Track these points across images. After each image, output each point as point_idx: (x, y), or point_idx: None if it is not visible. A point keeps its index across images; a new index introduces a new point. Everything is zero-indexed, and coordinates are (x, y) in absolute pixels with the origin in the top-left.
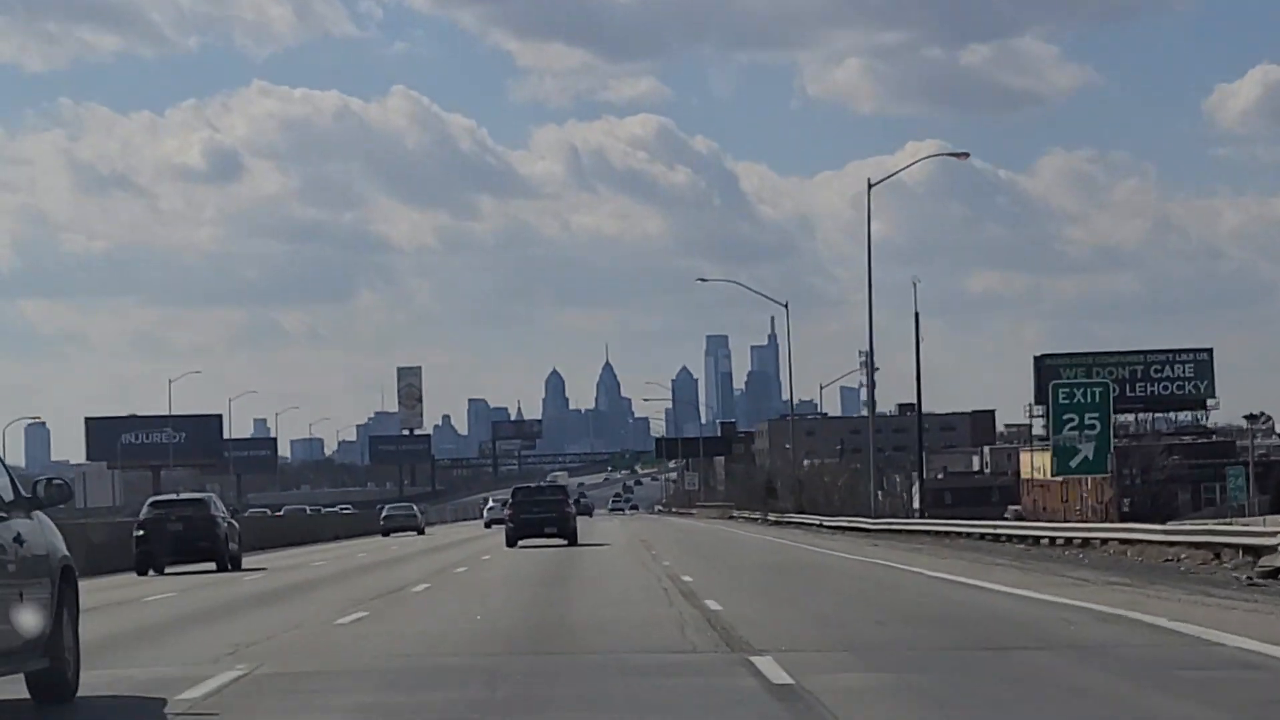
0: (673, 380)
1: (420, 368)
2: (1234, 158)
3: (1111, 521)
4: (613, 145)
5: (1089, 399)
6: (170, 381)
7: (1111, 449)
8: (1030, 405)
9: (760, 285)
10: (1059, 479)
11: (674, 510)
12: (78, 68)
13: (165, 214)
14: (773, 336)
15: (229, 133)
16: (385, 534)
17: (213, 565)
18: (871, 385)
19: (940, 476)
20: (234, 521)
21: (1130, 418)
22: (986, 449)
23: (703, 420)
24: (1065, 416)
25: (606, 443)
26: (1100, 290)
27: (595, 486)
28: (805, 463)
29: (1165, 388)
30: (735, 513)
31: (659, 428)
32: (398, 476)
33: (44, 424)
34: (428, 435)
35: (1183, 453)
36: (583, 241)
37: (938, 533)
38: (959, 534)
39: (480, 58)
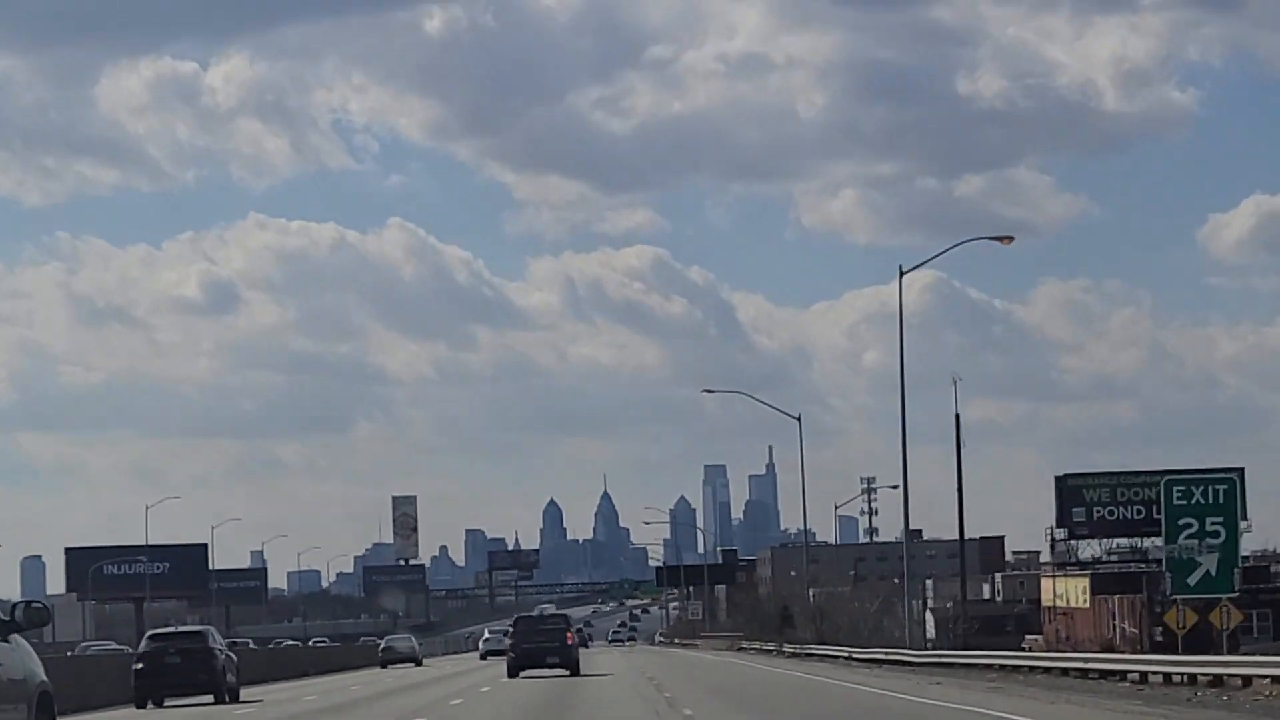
0: (671, 510)
1: (415, 497)
2: (1228, 287)
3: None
4: (609, 276)
5: (1210, 500)
6: (148, 508)
7: (1239, 563)
8: (1051, 528)
9: (756, 416)
10: (1085, 607)
11: (676, 641)
12: (75, 201)
13: (163, 346)
14: (770, 466)
15: (226, 265)
16: (384, 665)
17: (210, 698)
18: (906, 499)
19: (950, 605)
20: (232, 654)
21: (1159, 541)
22: (999, 576)
23: (701, 550)
24: (1182, 522)
25: (605, 573)
26: (1097, 418)
27: (595, 618)
28: (811, 591)
29: None
30: (745, 644)
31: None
32: (393, 608)
33: (40, 558)
34: (422, 565)
35: None
36: (580, 371)
37: (1002, 666)
38: (1030, 668)
39: (476, 190)
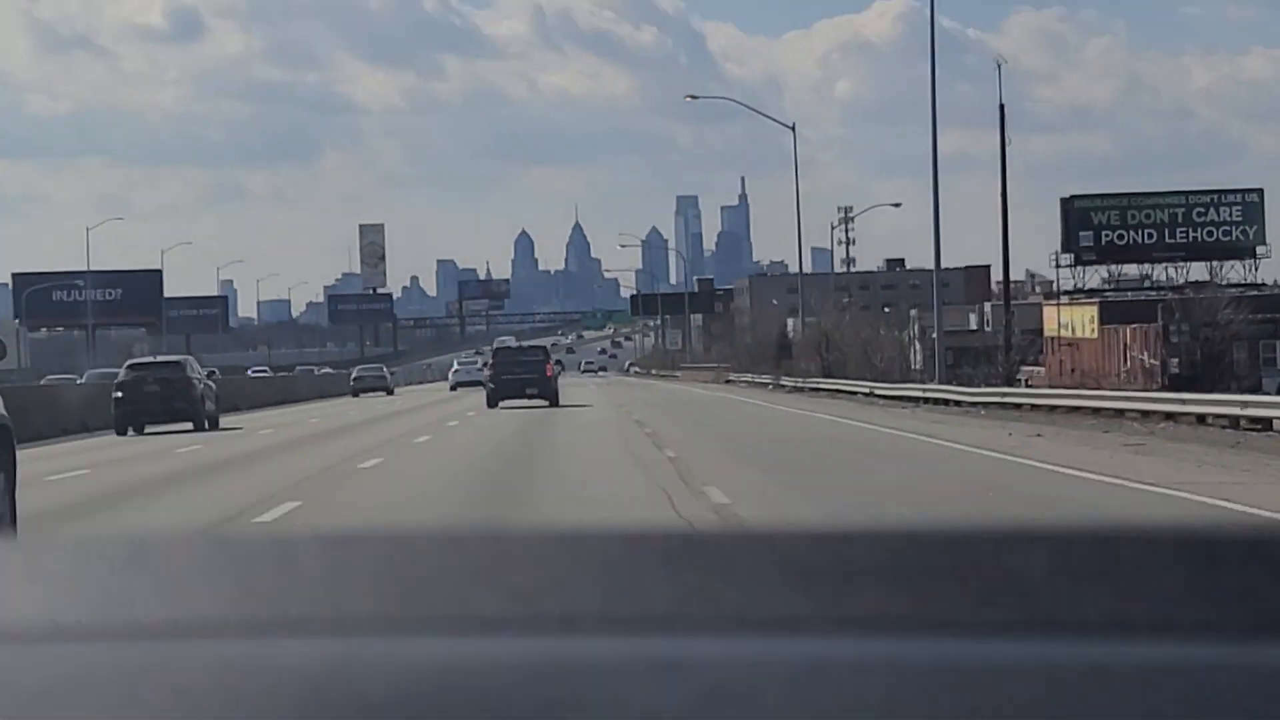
0: (643, 240)
1: (383, 225)
2: (1203, 16)
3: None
4: (578, 4)
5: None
6: (88, 230)
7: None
8: (1057, 253)
9: (727, 145)
10: (1092, 337)
11: (653, 372)
12: None
13: (128, 74)
14: (743, 196)
15: None
16: (355, 394)
17: (190, 425)
18: (937, 212)
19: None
20: (210, 383)
21: (1171, 268)
22: (988, 305)
23: (674, 280)
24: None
25: (577, 303)
26: (1072, 149)
27: (564, 349)
28: (801, 320)
29: (1210, 233)
30: (734, 376)
31: (630, 285)
32: (359, 337)
33: (6, 285)
34: (389, 294)
35: (1233, 306)
36: (550, 101)
37: (1096, 410)
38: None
39: None
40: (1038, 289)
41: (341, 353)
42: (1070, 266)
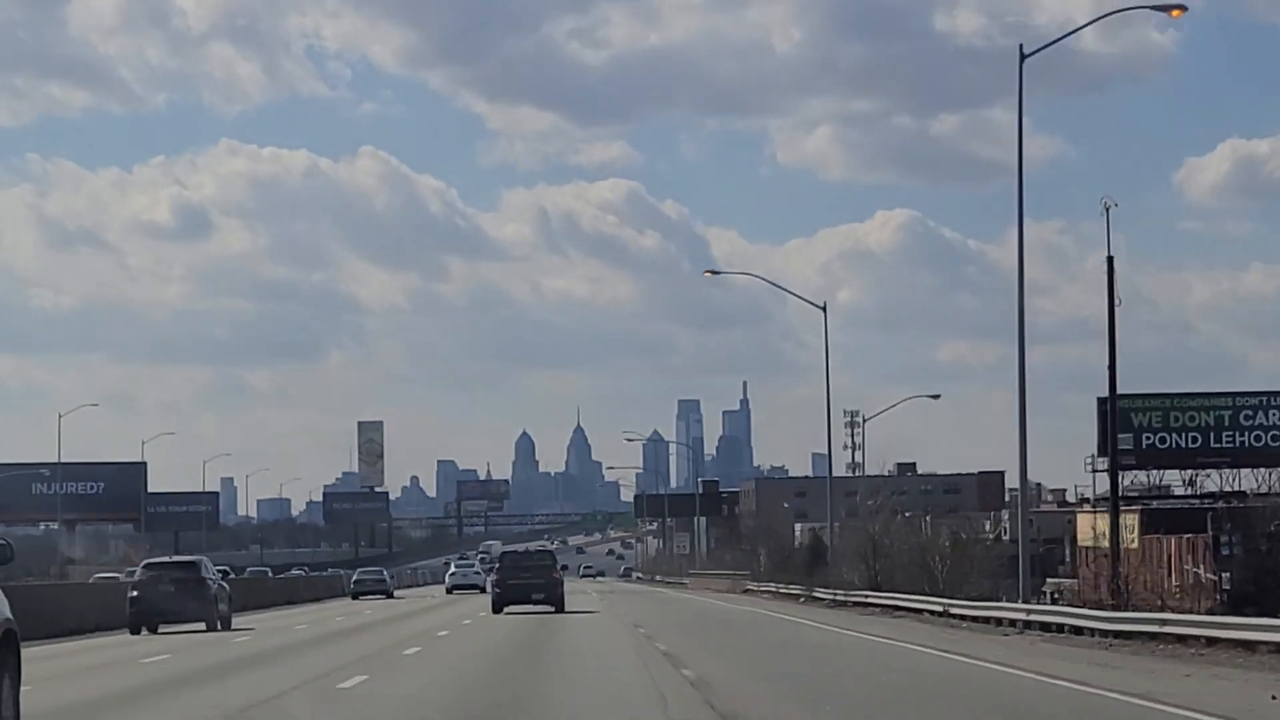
0: (643, 444)
1: (382, 422)
2: (1203, 232)
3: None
4: (583, 208)
5: None
6: (60, 416)
7: None
8: (1093, 457)
9: (730, 352)
10: (1132, 547)
11: (658, 579)
12: (46, 123)
13: (133, 270)
14: (744, 401)
15: (197, 190)
16: (355, 597)
17: (202, 625)
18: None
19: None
20: (224, 584)
21: (1215, 475)
22: (1004, 514)
23: (674, 484)
24: None
25: (577, 505)
26: (1072, 361)
27: (561, 552)
28: (798, 527)
29: (1258, 438)
30: (753, 585)
31: (629, 483)
32: (353, 537)
33: None
34: (385, 494)
35: None
36: (553, 304)
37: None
38: None
39: (450, 119)
40: (1049, 496)
41: (335, 553)
42: (1107, 471)
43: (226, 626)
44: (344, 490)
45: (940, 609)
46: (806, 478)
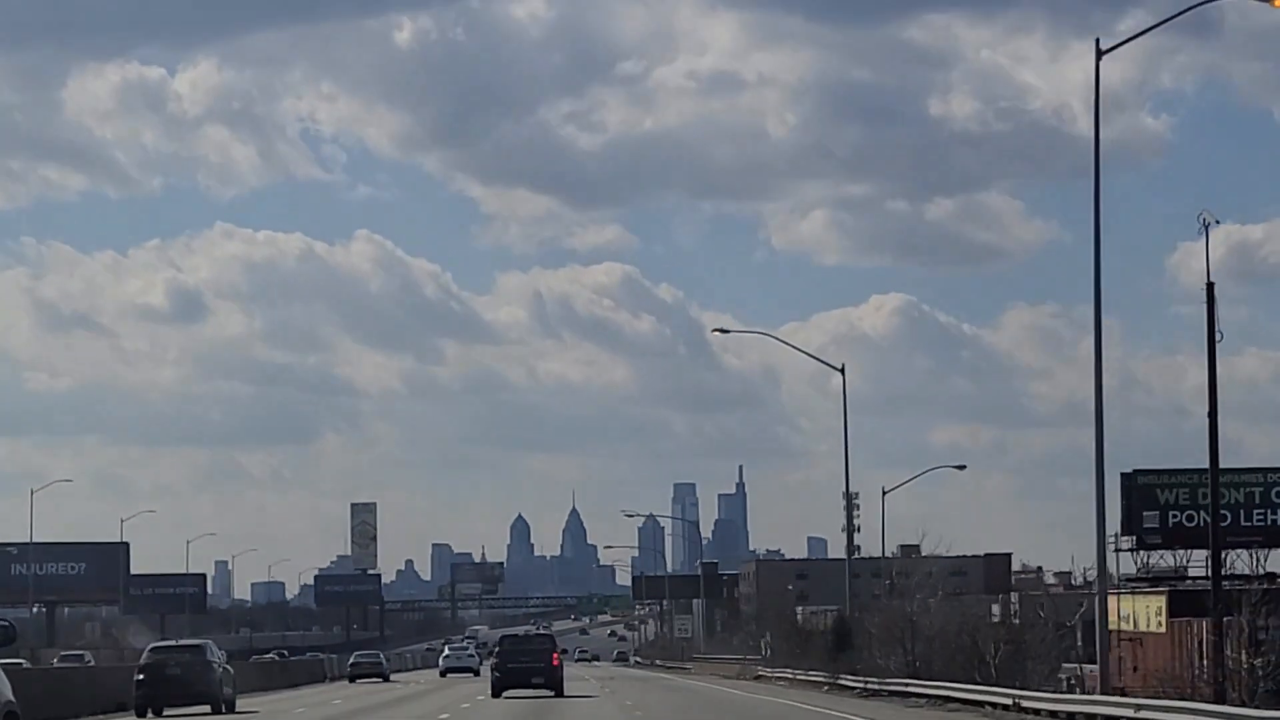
0: (639, 528)
1: (375, 504)
2: (1197, 316)
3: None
4: (578, 292)
5: None
6: (33, 491)
7: None
8: (1117, 535)
9: (724, 436)
10: (1159, 631)
11: (657, 663)
12: (41, 206)
13: (129, 354)
14: (740, 485)
15: (192, 274)
16: (352, 680)
17: (207, 708)
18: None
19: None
20: (229, 667)
21: (1245, 554)
22: (1015, 596)
23: (670, 569)
24: None
25: (573, 589)
26: (1067, 444)
27: (560, 635)
28: (800, 610)
29: None
30: (765, 670)
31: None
32: (345, 620)
33: None
34: (378, 576)
35: None
36: (548, 388)
37: None
38: None
39: (444, 203)
40: (1053, 579)
41: (326, 636)
42: (1132, 551)
43: (231, 709)
44: (336, 573)
45: (1009, 701)
46: (807, 559)
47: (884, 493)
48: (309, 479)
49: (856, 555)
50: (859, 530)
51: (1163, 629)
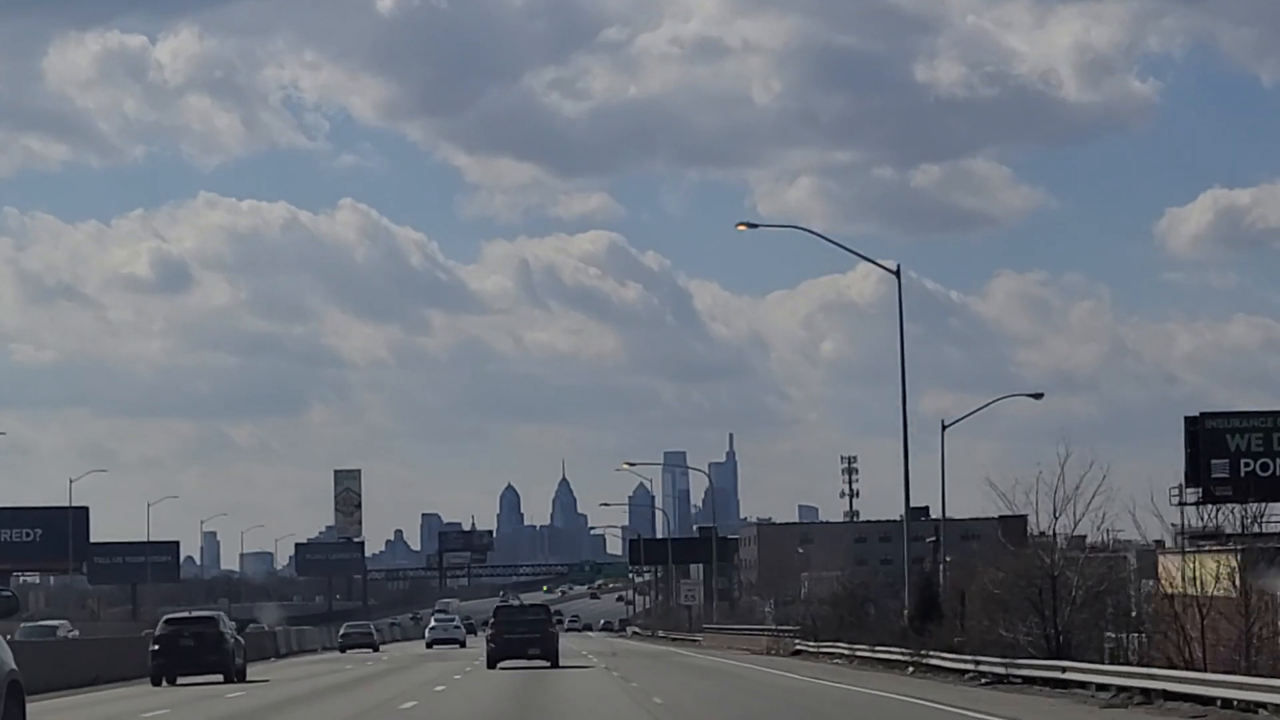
0: (630, 496)
1: (359, 470)
2: (1185, 283)
3: None
4: (564, 261)
5: None
6: None
7: None
8: (1180, 487)
9: (714, 404)
10: (1229, 595)
11: (660, 634)
12: (24, 176)
13: (114, 324)
14: (731, 454)
15: (177, 243)
16: (343, 650)
17: (220, 676)
18: None
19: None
20: (240, 638)
21: None
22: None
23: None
24: None
25: (563, 559)
26: (1056, 412)
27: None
28: (803, 575)
29: None
30: (805, 644)
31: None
32: (327, 589)
33: None
34: (361, 543)
35: None
36: (536, 357)
37: None
38: None
39: (428, 172)
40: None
41: (307, 607)
42: (1197, 504)
43: (242, 678)
44: (318, 541)
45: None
46: (813, 523)
47: (944, 427)
48: (297, 450)
49: (855, 520)
50: (858, 495)
51: (1234, 593)
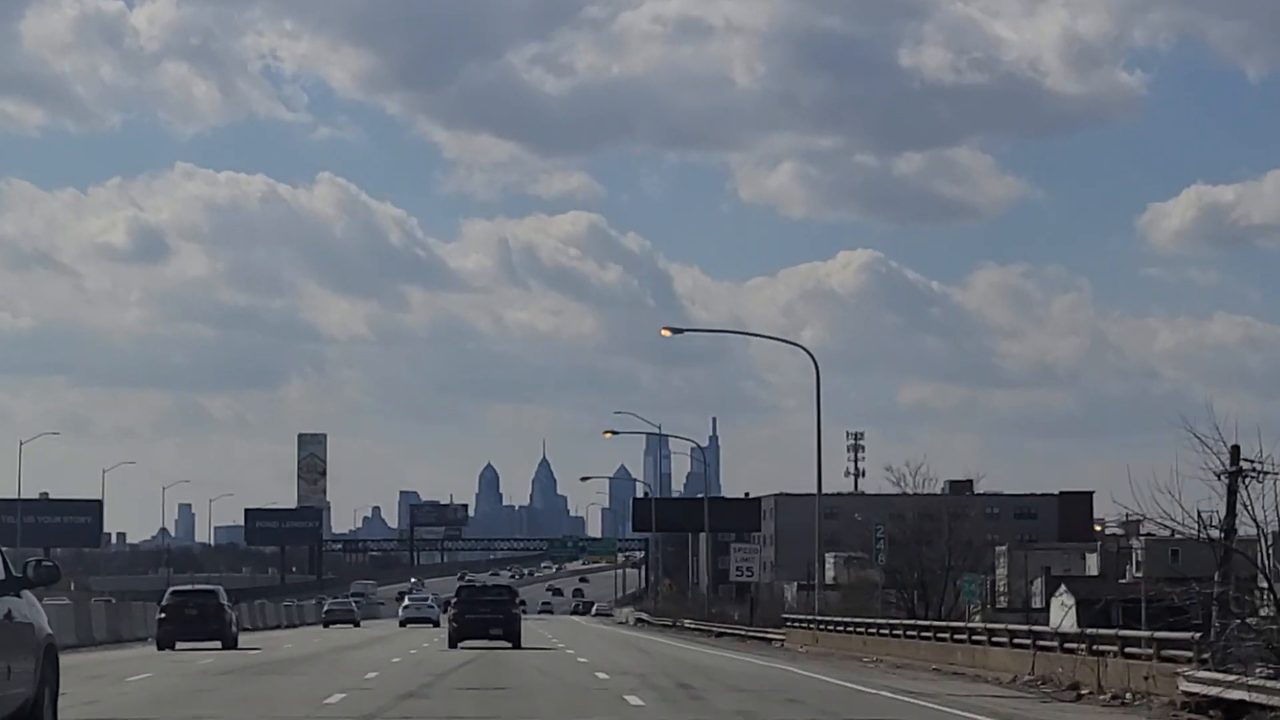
0: (611, 479)
1: (325, 435)
2: (1166, 279)
3: None
4: (544, 241)
5: None
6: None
7: None
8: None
9: (693, 390)
10: None
11: (684, 624)
12: (1, 141)
13: (91, 293)
14: (713, 438)
15: (154, 213)
16: (326, 625)
17: (219, 644)
18: None
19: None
20: (234, 609)
21: None
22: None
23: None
24: None
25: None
26: (1036, 405)
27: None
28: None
29: None
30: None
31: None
32: (280, 561)
33: None
34: (317, 510)
35: None
36: (516, 337)
37: None
38: None
39: (406, 146)
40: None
41: (256, 579)
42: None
43: (236, 645)
44: (271, 508)
45: None
46: (839, 494)
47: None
48: (273, 424)
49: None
50: (863, 475)
51: None
